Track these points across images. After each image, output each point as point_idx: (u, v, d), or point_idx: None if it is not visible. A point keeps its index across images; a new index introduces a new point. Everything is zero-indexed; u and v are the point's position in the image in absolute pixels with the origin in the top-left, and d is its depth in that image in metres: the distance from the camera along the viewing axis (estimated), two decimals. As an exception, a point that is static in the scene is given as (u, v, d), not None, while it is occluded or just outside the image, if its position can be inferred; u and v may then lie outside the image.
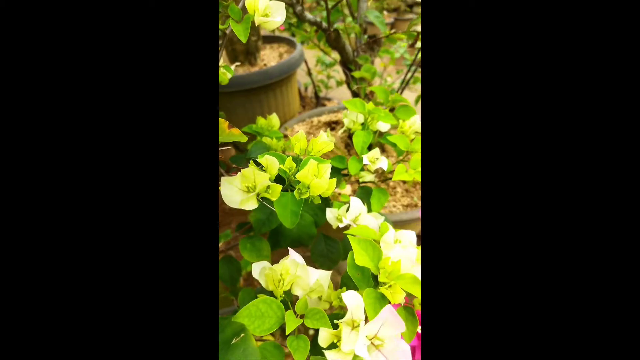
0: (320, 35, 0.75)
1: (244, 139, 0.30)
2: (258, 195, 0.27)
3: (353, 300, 0.27)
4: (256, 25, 0.34)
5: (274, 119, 0.48)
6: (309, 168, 0.28)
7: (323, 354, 0.28)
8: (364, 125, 0.46)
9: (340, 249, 0.51)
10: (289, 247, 0.36)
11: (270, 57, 1.02)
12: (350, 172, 0.44)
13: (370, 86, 0.56)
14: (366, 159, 0.41)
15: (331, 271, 0.36)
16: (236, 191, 0.26)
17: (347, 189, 0.56)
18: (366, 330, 0.26)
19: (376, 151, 0.42)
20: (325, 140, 0.32)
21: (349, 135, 0.72)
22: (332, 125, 0.83)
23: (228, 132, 0.29)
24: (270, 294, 0.32)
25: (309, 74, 1.14)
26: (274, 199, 0.28)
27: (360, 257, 0.32)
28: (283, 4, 0.33)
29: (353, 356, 0.26)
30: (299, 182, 0.30)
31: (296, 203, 0.30)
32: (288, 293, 0.34)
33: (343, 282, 0.38)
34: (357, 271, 0.34)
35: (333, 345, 0.27)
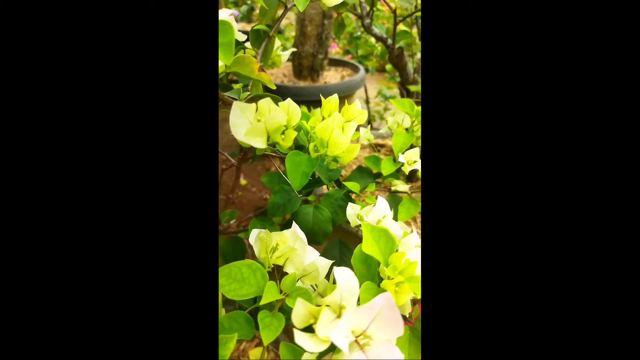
0: (382, 53, 0.75)
1: (272, 85, 0.28)
2: (268, 138, 0.25)
3: (346, 279, 0.22)
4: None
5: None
6: (331, 121, 0.25)
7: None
8: (408, 129, 0.42)
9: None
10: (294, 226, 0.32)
11: (332, 78, 1.04)
12: (383, 173, 0.40)
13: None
14: (403, 157, 0.37)
15: (333, 261, 0.31)
16: (246, 122, 0.23)
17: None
18: (353, 318, 0.21)
19: (415, 151, 0.37)
20: (359, 109, 0.28)
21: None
22: (377, 148, 0.80)
23: (257, 73, 0.27)
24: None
25: (367, 102, 1.13)
26: (285, 147, 0.25)
27: (369, 246, 0.27)
28: None
29: (329, 346, 0.21)
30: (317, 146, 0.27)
31: (310, 164, 0.27)
32: (280, 272, 0.29)
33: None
34: (363, 264, 0.29)
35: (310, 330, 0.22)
